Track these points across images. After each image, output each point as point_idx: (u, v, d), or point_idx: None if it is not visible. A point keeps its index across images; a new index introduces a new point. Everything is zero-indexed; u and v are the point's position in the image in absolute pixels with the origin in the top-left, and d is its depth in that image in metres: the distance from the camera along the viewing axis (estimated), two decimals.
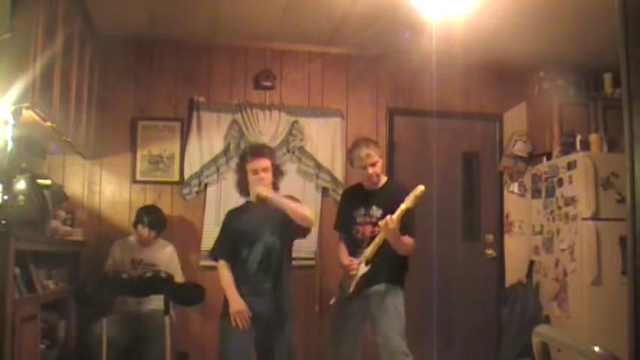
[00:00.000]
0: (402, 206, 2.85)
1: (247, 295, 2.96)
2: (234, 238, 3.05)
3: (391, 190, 3.16)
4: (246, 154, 3.15)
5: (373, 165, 3.14)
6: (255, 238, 3.02)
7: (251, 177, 3.06)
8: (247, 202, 3.18)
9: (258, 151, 3.14)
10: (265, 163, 3.06)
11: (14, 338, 2.45)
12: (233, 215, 3.19)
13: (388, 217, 2.86)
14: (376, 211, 3.09)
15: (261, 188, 3.00)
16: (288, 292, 3.06)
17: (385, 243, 2.97)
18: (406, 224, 2.97)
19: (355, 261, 3.05)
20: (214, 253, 3.16)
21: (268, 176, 3.05)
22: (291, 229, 3.06)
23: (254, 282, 2.99)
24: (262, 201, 3.00)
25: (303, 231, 3.10)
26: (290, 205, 2.99)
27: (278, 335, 2.98)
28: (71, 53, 3.39)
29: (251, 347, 3.00)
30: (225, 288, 3.00)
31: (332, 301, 3.19)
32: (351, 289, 3.05)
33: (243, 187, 3.15)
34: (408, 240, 3.02)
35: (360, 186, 3.30)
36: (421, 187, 2.83)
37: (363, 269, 3.01)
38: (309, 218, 3.03)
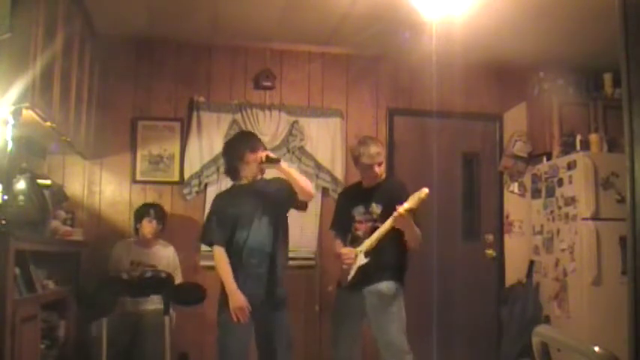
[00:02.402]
0: (405, 205, 2.83)
1: (243, 281, 2.90)
2: (227, 223, 2.98)
3: (390, 186, 3.16)
4: (248, 143, 3.06)
5: (380, 165, 3.13)
6: (249, 222, 2.95)
7: (249, 156, 3.02)
8: (235, 185, 3.12)
9: (260, 142, 3.11)
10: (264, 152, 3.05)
11: (14, 338, 2.45)
12: (222, 199, 3.11)
13: (400, 207, 2.82)
14: (376, 208, 3.08)
15: (269, 153, 3.02)
16: (283, 276, 3.02)
17: (385, 237, 2.95)
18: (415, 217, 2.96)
19: (351, 250, 3.04)
20: (208, 239, 3.03)
21: None
22: (283, 208, 3.05)
23: (249, 267, 2.93)
24: (269, 161, 2.98)
25: (301, 204, 3.09)
26: (295, 176, 2.99)
27: (275, 317, 2.96)
28: (71, 53, 3.39)
29: (250, 337, 2.99)
30: (224, 279, 2.92)
31: (330, 288, 3.19)
32: (349, 278, 3.03)
33: (235, 170, 3.08)
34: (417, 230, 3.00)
35: (359, 184, 3.29)
36: (425, 190, 2.82)
37: (362, 260, 2.99)
38: (311, 192, 3.04)
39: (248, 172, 3.04)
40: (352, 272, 3.03)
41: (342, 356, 3.15)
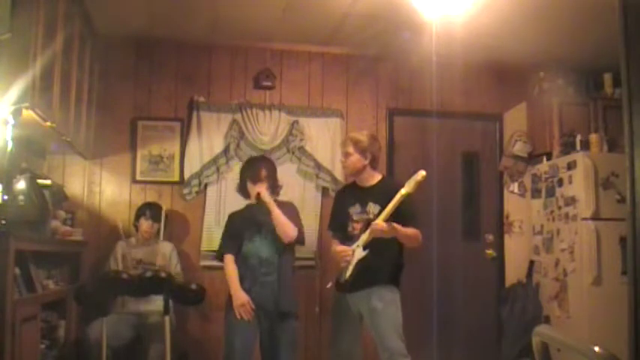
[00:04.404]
0: (402, 191, 2.81)
1: (249, 287, 3.10)
2: (237, 235, 3.22)
3: (387, 186, 3.14)
4: (247, 175, 3.30)
5: (345, 155, 3.22)
6: (257, 234, 3.19)
7: (250, 186, 3.30)
8: (248, 205, 3.35)
9: (257, 177, 3.26)
10: (261, 188, 3.22)
11: (14, 338, 2.45)
12: (235, 217, 3.37)
13: (375, 221, 2.89)
14: (373, 207, 3.08)
15: (264, 192, 3.21)
16: (288, 285, 3.18)
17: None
18: (407, 214, 2.96)
19: (348, 249, 3.04)
20: (222, 252, 3.28)
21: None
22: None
23: (255, 274, 3.13)
24: (258, 200, 3.20)
25: (298, 239, 3.29)
26: (280, 220, 3.16)
27: (281, 326, 3.11)
28: (71, 53, 3.39)
29: (255, 338, 3.13)
30: (229, 281, 3.13)
31: (329, 285, 3.18)
32: (348, 273, 3.02)
33: (244, 191, 3.34)
34: (411, 230, 2.99)
35: (355, 183, 3.29)
36: (422, 173, 2.78)
37: (361, 253, 2.97)
38: (290, 237, 3.19)
39: (254, 197, 3.27)
40: (351, 267, 3.00)
41: (342, 356, 3.14)
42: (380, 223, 2.86)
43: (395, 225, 2.89)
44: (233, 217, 3.39)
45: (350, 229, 3.15)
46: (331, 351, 3.19)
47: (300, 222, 3.30)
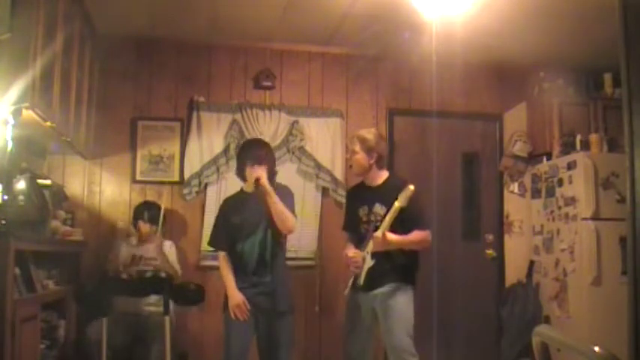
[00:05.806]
0: (396, 204, 2.87)
1: (245, 287, 3.03)
2: (230, 230, 3.10)
3: (392, 186, 3.13)
4: (246, 157, 3.11)
5: (351, 153, 3.21)
6: (250, 231, 3.07)
7: (248, 169, 3.09)
8: (242, 191, 3.16)
9: (257, 159, 3.07)
10: (261, 171, 3.03)
11: (14, 338, 2.45)
12: (229, 205, 3.20)
13: (375, 234, 2.92)
14: (380, 209, 3.08)
15: (264, 178, 3.00)
16: (284, 283, 3.12)
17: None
18: (411, 219, 2.97)
19: (358, 253, 3.05)
20: (214, 245, 3.22)
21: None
22: None
23: (250, 274, 3.06)
24: (258, 186, 3.00)
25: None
26: (279, 210, 3.00)
27: (278, 325, 3.05)
28: (71, 53, 3.39)
29: (252, 337, 3.08)
30: (225, 281, 3.07)
31: (346, 292, 3.18)
32: (361, 280, 3.04)
33: (242, 174, 3.15)
34: (416, 235, 3.01)
35: (362, 183, 3.29)
36: (411, 187, 2.86)
37: (369, 262, 3.00)
38: (290, 229, 3.07)
39: (251, 182, 3.08)
40: (363, 275, 3.03)
41: (354, 356, 3.13)
42: (378, 236, 2.90)
43: (392, 238, 2.93)
44: (227, 208, 3.19)
45: (363, 230, 3.15)
46: (343, 351, 3.19)
47: (294, 208, 3.16)
